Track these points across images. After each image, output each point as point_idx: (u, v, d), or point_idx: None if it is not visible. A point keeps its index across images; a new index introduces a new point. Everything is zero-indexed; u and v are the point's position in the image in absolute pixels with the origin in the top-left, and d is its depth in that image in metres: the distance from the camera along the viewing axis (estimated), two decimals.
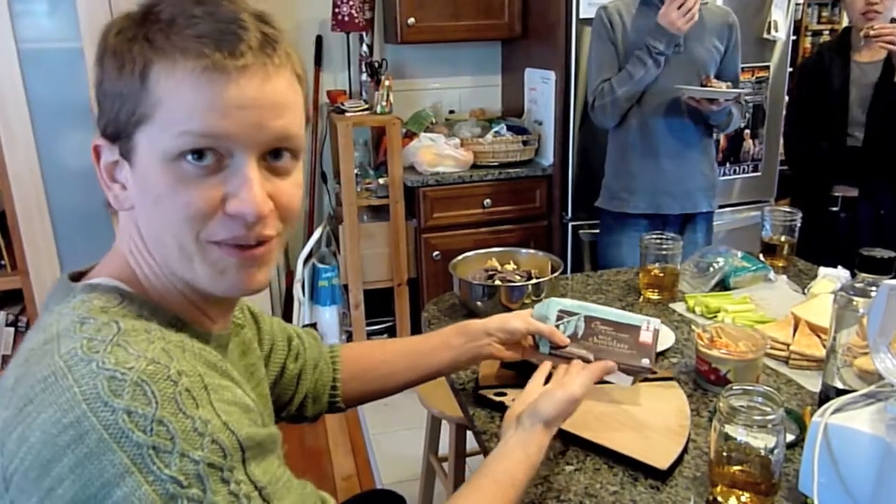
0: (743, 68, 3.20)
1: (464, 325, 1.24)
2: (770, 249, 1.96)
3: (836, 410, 0.98)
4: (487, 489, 0.93)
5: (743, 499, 1.01)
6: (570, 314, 1.22)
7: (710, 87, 2.30)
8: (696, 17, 2.21)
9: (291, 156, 0.75)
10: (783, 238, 1.95)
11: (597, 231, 2.80)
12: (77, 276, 0.80)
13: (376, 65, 3.29)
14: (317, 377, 1.18)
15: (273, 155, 0.73)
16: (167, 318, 0.74)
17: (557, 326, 1.21)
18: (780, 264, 1.93)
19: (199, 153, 0.68)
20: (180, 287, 0.76)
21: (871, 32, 2.17)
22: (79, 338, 0.64)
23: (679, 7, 2.18)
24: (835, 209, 2.45)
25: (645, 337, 1.20)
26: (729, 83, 2.37)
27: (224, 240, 0.71)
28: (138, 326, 0.67)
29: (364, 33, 3.37)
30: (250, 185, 0.69)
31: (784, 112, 3.46)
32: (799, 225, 1.95)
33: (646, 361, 1.17)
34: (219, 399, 0.65)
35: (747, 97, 2.86)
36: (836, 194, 2.44)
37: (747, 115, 3.32)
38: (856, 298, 1.12)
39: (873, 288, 1.10)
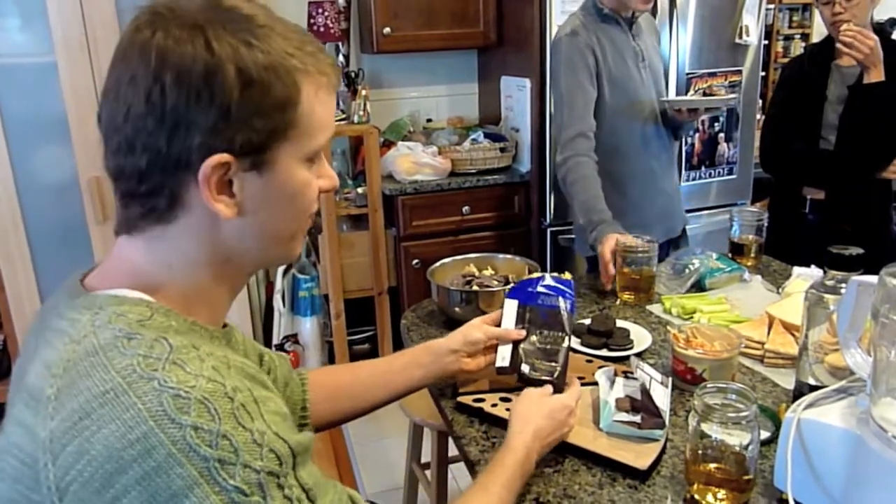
0: (716, 73, 3.26)
1: (429, 344, 1.34)
2: (738, 249, 1.99)
3: (809, 406, 0.99)
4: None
5: (719, 496, 1.02)
6: None
7: (713, 95, 2.27)
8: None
9: None
10: (751, 237, 1.98)
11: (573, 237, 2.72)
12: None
13: (353, 75, 3.30)
14: (287, 395, 1.17)
15: None
16: (188, 323, 0.77)
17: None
18: (749, 263, 1.96)
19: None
20: (226, 285, 0.84)
21: (843, 38, 2.17)
22: (131, 354, 0.67)
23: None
24: (804, 211, 2.48)
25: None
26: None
27: (313, 213, 0.87)
28: (186, 343, 0.70)
29: (340, 43, 3.37)
30: (329, 167, 0.87)
31: (757, 116, 3.51)
32: (766, 225, 1.99)
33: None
34: (267, 411, 0.69)
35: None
36: (805, 196, 2.47)
37: (721, 118, 3.36)
38: (826, 296, 1.13)
39: (843, 285, 1.11)
